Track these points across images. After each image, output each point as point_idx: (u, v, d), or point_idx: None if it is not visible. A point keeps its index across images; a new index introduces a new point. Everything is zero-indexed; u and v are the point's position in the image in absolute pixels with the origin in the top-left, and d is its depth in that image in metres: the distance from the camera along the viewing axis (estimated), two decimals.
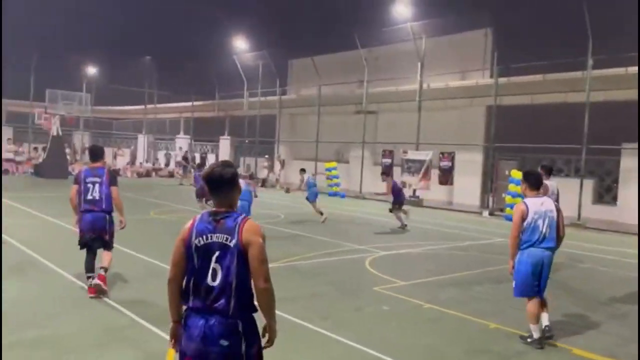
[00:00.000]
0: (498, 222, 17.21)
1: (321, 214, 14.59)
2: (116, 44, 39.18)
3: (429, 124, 22.56)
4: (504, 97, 20.76)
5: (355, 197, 23.69)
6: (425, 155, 21.73)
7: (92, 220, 6.53)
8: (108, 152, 37.86)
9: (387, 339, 5.60)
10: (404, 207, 14.55)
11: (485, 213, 19.27)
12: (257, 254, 2.81)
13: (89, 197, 6.51)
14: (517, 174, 16.15)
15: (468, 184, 21.90)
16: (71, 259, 8.49)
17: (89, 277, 6.55)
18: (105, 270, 6.57)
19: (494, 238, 13.39)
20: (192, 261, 2.84)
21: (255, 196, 12.48)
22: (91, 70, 36.16)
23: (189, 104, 37.26)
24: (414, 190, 21.95)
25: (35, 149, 30.22)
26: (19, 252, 8.87)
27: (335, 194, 23.91)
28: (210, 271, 2.79)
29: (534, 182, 5.70)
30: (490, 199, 20.80)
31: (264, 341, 2.95)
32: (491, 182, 21.14)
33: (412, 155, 22.21)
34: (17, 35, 33.85)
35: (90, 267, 6.63)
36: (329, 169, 24.56)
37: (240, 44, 31.95)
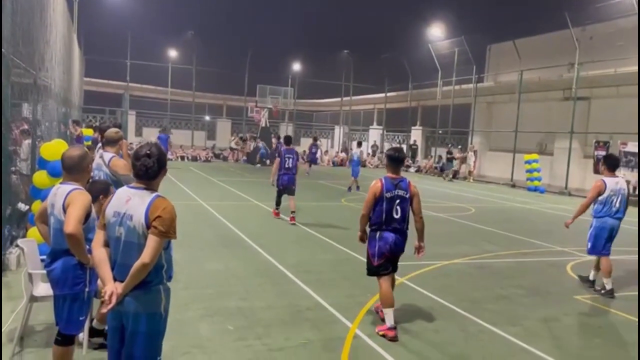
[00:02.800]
0: None
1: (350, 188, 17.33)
2: (316, 40, 41.67)
3: None
4: None
5: (560, 193, 21.40)
6: None
7: (288, 179, 10.88)
8: (308, 141, 40.89)
9: (588, 358, 4.86)
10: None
11: None
12: (419, 200, 5.30)
13: (286, 165, 10.86)
14: None
15: None
16: (267, 238, 9.32)
17: (277, 207, 11.34)
18: (293, 212, 10.76)
19: None
20: (382, 205, 5.13)
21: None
22: (295, 66, 39.10)
23: (382, 95, 37.85)
24: (635, 188, 18.93)
25: (242, 139, 33.04)
26: (228, 230, 9.99)
27: (535, 189, 21.96)
28: (394, 210, 5.15)
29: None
30: None
31: (417, 256, 5.40)
32: None
33: (633, 147, 19.15)
34: (233, 39, 38.30)
35: (279, 202, 11.30)
36: (528, 162, 22.61)
37: (436, 32, 31.24)
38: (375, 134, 39.12)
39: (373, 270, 5.28)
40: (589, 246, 7.16)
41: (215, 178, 20.12)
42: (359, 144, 20.29)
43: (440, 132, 32.20)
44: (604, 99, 22.96)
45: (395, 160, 5.32)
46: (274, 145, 27.46)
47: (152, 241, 2.89)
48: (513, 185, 23.83)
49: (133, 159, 3.06)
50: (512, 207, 16.51)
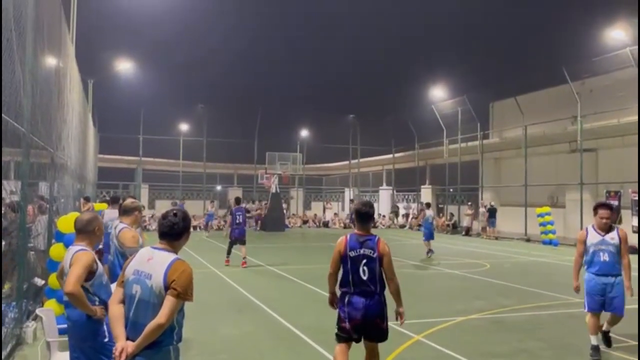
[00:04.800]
0: None
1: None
2: (322, 106, 42.89)
3: None
4: None
5: (574, 245, 21.05)
6: None
7: (238, 232, 13.83)
8: (318, 205, 41.09)
9: None
10: None
11: None
12: (389, 260, 4.65)
13: (237, 221, 13.85)
14: None
15: None
16: (280, 301, 9.26)
17: (228, 256, 14.11)
18: (245, 257, 13.68)
19: None
20: (347, 265, 4.66)
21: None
22: (302, 132, 40.05)
23: (390, 156, 38.36)
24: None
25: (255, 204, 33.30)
26: (240, 295, 9.96)
27: (549, 242, 21.69)
28: (361, 271, 4.61)
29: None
30: None
31: (399, 322, 4.76)
32: None
33: None
34: (242, 109, 39.50)
35: (229, 251, 14.14)
36: (541, 215, 22.49)
37: (438, 93, 32.07)
38: (385, 194, 39.27)
39: (343, 336, 4.63)
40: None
41: (226, 245, 20.11)
42: (428, 205, 18.62)
43: (451, 190, 32.28)
44: (611, 149, 23.10)
45: (364, 215, 4.76)
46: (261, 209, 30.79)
47: (169, 302, 2.96)
48: (528, 240, 23.57)
49: (160, 219, 3.24)
50: (526, 261, 16.29)
